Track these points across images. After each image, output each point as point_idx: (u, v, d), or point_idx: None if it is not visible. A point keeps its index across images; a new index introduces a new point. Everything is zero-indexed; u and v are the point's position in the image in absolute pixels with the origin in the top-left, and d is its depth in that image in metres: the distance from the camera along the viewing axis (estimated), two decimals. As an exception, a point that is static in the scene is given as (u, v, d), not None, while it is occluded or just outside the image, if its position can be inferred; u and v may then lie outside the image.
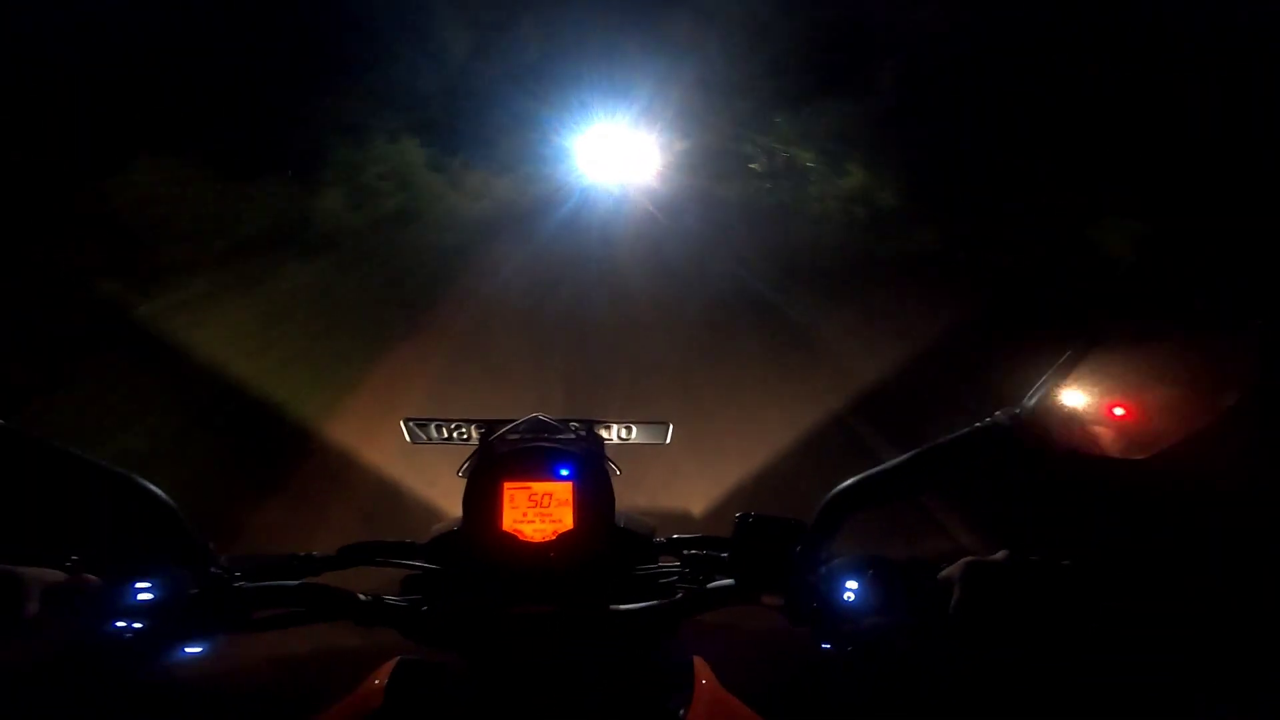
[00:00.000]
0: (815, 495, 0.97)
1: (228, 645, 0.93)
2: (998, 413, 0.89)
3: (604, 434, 1.16)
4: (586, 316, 6.83)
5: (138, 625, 0.87)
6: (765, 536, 0.99)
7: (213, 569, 0.94)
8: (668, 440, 1.20)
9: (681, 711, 0.94)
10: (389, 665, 0.98)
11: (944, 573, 0.91)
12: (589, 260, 9.05)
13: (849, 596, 0.93)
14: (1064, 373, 0.85)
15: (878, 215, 8.96)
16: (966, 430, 0.90)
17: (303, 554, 1.04)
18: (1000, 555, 0.89)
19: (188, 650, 0.91)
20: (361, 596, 0.98)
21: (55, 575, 0.84)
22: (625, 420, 1.18)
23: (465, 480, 1.03)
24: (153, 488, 0.91)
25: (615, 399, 4.58)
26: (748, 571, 0.99)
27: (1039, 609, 0.86)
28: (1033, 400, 0.86)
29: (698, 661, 1.03)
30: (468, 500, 1.00)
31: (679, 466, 3.29)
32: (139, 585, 0.88)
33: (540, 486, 1.00)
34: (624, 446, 1.18)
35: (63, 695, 0.87)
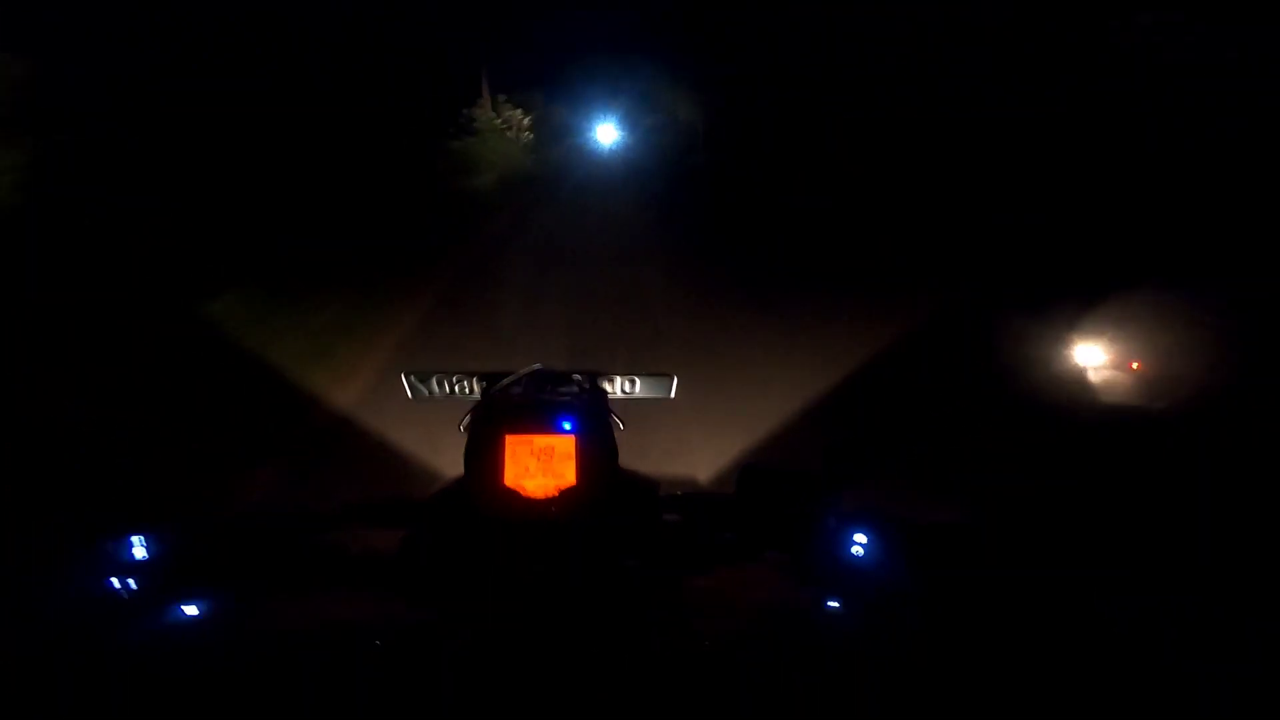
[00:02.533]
0: (820, 447, 0.95)
1: (226, 605, 0.92)
2: (1006, 366, 0.87)
3: (607, 387, 1.13)
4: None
5: (131, 581, 0.85)
6: (770, 491, 0.97)
7: (209, 527, 0.93)
8: (672, 394, 1.17)
9: (685, 668, 0.93)
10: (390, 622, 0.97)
11: (955, 531, 0.90)
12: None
13: (857, 551, 0.91)
14: (1077, 327, 0.83)
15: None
16: (975, 383, 0.89)
17: (302, 513, 1.03)
18: (1010, 513, 0.88)
19: (184, 609, 0.89)
20: (362, 555, 0.96)
21: (54, 531, 0.82)
22: (629, 373, 1.15)
23: (466, 435, 1.00)
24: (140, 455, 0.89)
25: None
26: (752, 527, 0.97)
27: (1047, 566, 0.85)
28: (1041, 351, 0.84)
29: (701, 619, 1.02)
30: (469, 455, 0.98)
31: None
32: (132, 540, 0.86)
33: (542, 440, 0.97)
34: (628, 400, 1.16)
35: (63, 653, 0.85)
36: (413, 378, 1.11)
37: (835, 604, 0.93)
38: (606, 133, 19.72)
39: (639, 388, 1.16)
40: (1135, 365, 3.05)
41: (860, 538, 0.91)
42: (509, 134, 15.45)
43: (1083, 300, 4.26)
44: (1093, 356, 3.22)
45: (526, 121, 16.08)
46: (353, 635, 0.96)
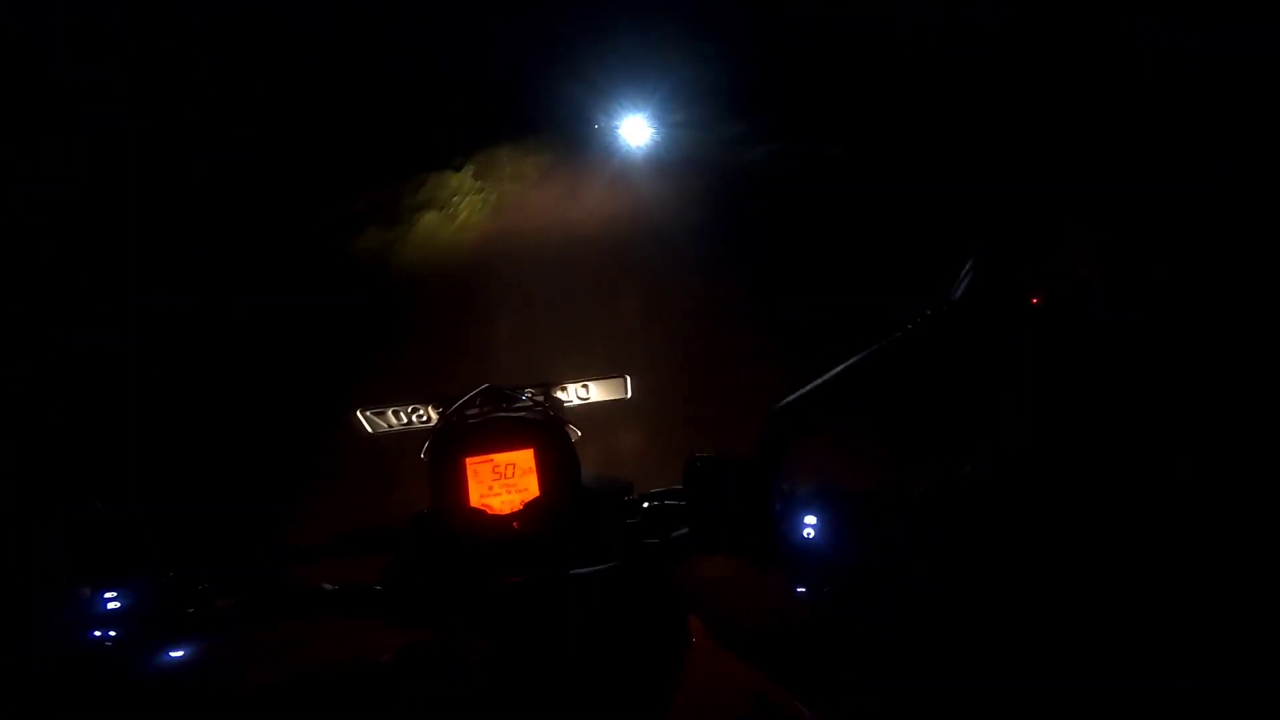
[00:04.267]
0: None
1: (213, 647, 0.94)
2: (933, 307, 0.86)
3: (561, 395, 1.15)
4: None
5: (113, 634, 0.87)
6: (714, 479, 0.97)
7: (185, 572, 0.94)
8: (628, 394, 1.19)
9: (675, 672, 0.95)
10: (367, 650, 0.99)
11: (907, 496, 0.92)
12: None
13: (808, 533, 0.93)
14: (991, 259, 0.83)
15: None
16: (904, 329, 0.88)
17: (279, 550, 1.04)
18: (965, 469, 0.90)
19: (170, 654, 0.91)
20: (339, 587, 0.98)
21: (28, 589, 0.84)
22: (581, 379, 1.17)
23: (427, 461, 1.03)
24: (116, 497, 0.91)
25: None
26: (699, 519, 0.98)
27: (1019, 522, 0.87)
28: (963, 290, 0.84)
29: (693, 619, 1.04)
30: (433, 480, 1.01)
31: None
32: (107, 595, 0.88)
33: (502, 458, 1.00)
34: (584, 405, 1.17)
35: (50, 708, 0.87)
36: (368, 413, 1.13)
37: (801, 590, 0.96)
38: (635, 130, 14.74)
39: (593, 392, 1.18)
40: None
41: (810, 519, 0.93)
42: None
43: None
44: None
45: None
46: (335, 667, 0.99)
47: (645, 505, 1.07)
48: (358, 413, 1.13)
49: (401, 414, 1.13)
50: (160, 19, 6.73)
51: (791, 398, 0.93)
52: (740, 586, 1.25)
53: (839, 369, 0.91)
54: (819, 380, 0.92)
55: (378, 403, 1.12)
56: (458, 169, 10.97)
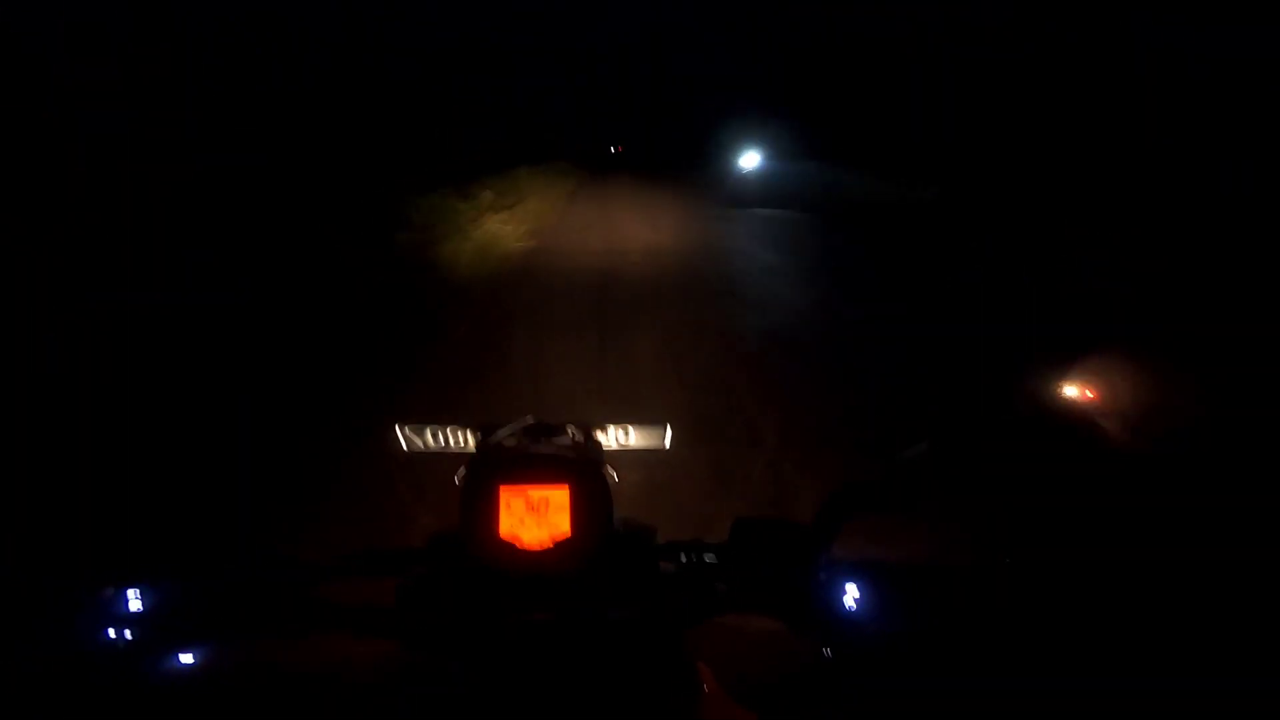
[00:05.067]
0: (816, 497, 0.96)
1: (222, 656, 0.92)
2: (1006, 405, 0.88)
3: (601, 437, 1.15)
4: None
5: (128, 634, 0.86)
6: (761, 541, 0.98)
7: (203, 578, 0.93)
8: (666, 444, 1.19)
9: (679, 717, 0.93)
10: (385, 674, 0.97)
11: (953, 578, 0.90)
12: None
13: (850, 603, 0.91)
14: (1061, 370, 0.85)
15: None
16: (976, 426, 0.89)
17: (296, 563, 1.03)
18: (1007, 560, 0.88)
19: (180, 659, 0.90)
20: (356, 606, 0.96)
21: (45, 586, 0.83)
22: (622, 423, 1.17)
23: (460, 486, 1.02)
24: (138, 496, 0.90)
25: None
26: (743, 578, 0.98)
27: (1049, 617, 0.85)
28: (1034, 394, 0.86)
29: (702, 668, 1.02)
30: (464, 506, 0.99)
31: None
32: (128, 594, 0.87)
33: (537, 492, 0.98)
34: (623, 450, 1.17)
35: (57, 706, 0.86)
36: (407, 429, 1.13)
37: (828, 652, 0.93)
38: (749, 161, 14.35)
39: (633, 438, 1.17)
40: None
41: (852, 589, 0.92)
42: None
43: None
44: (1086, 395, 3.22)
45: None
46: (348, 686, 0.96)
47: (681, 554, 1.05)
48: (396, 428, 1.12)
49: (440, 435, 1.12)
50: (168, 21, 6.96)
51: (857, 482, 0.94)
52: (750, 639, 1.23)
53: (902, 461, 0.92)
54: (884, 471, 0.93)
55: (418, 420, 1.11)
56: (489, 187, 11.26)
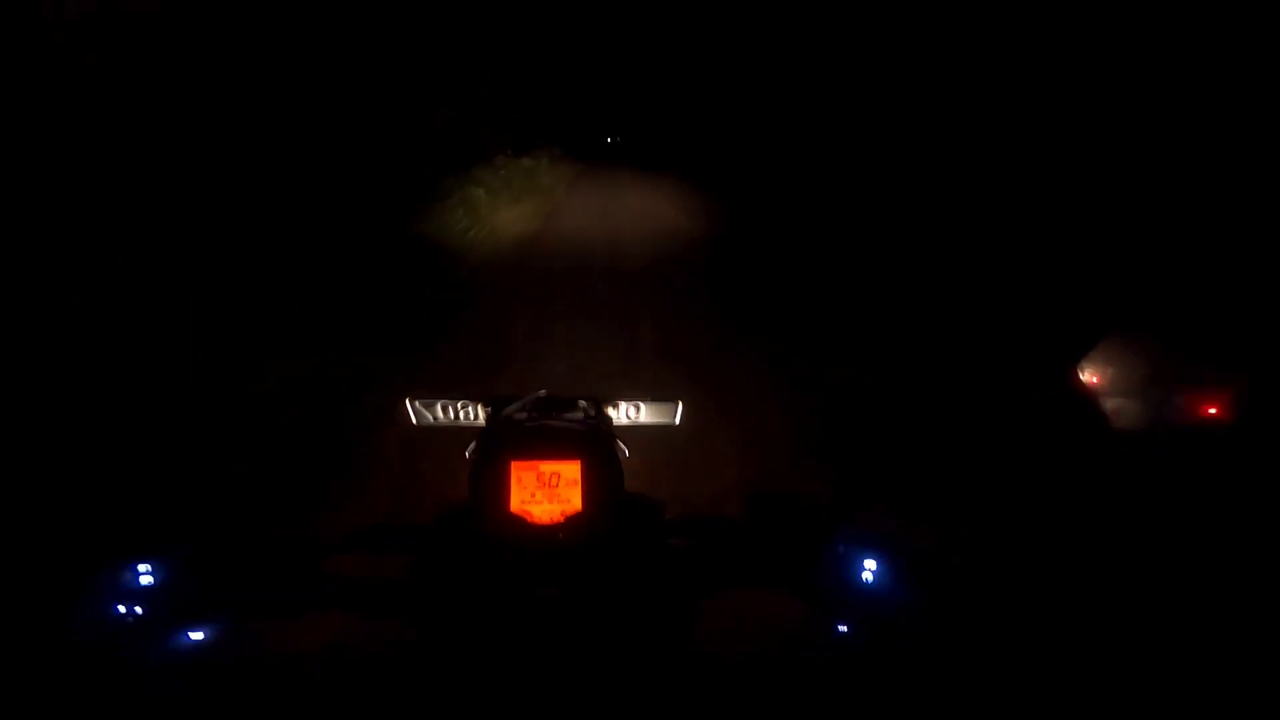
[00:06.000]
0: (830, 472, 0.95)
1: (233, 631, 0.92)
2: (1022, 392, 0.87)
3: (612, 412, 1.14)
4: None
5: (138, 609, 0.86)
6: (779, 515, 0.97)
7: (215, 554, 0.93)
8: (677, 420, 1.18)
9: (693, 691, 0.92)
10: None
11: (968, 557, 0.89)
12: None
13: (867, 577, 0.90)
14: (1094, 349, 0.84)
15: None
16: (994, 413, 0.89)
17: (306, 539, 1.02)
18: (1023, 541, 0.87)
19: (190, 635, 0.89)
20: (367, 582, 0.96)
21: (58, 559, 0.83)
22: (634, 398, 1.16)
23: (471, 460, 1.01)
24: (152, 473, 0.90)
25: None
26: (760, 551, 0.97)
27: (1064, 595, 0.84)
28: (1049, 379, 0.85)
29: (710, 642, 1.01)
30: (474, 481, 0.98)
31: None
32: (140, 569, 0.86)
33: (548, 467, 0.97)
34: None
35: (67, 678, 0.86)
36: (417, 404, 1.12)
37: (843, 628, 0.93)
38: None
39: (644, 414, 1.16)
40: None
41: (870, 564, 0.91)
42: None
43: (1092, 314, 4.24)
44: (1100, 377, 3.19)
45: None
46: (358, 659, 0.96)
47: (692, 528, 1.05)
48: (407, 402, 1.11)
49: (451, 409, 1.12)
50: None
51: (876, 461, 0.94)
52: (758, 613, 1.23)
53: (921, 443, 0.92)
54: (903, 450, 0.92)
55: (428, 394, 1.10)
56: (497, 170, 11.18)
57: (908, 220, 7.71)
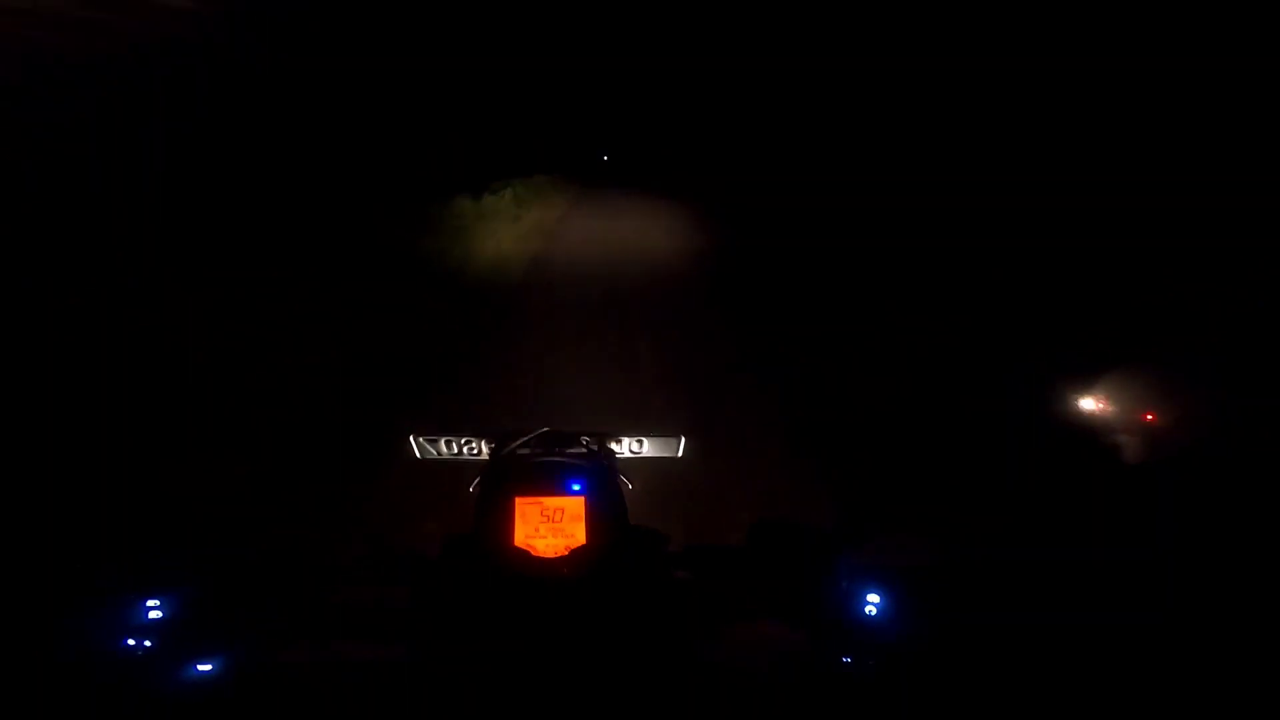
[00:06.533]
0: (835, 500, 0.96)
1: (241, 663, 0.93)
2: (1026, 411, 0.88)
3: (615, 447, 1.15)
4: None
5: (148, 643, 0.86)
6: (781, 546, 0.98)
7: (224, 587, 0.94)
8: (679, 453, 1.19)
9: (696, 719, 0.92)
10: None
11: (970, 584, 0.90)
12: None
13: (870, 610, 0.91)
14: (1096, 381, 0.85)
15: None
16: (998, 434, 0.90)
17: (313, 569, 1.03)
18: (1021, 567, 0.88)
19: (199, 668, 0.90)
20: (374, 611, 0.97)
21: (71, 593, 0.84)
22: (637, 433, 1.17)
23: (475, 495, 1.02)
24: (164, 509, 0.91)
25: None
26: (762, 582, 0.97)
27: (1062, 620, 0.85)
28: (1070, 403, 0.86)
29: (714, 670, 1.01)
30: (479, 515, 0.99)
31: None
32: (149, 604, 0.87)
33: (552, 502, 0.98)
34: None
35: (78, 708, 0.86)
36: (421, 439, 1.13)
37: (847, 660, 0.93)
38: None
39: (647, 447, 1.17)
40: (1149, 417, 2.99)
41: (873, 598, 0.91)
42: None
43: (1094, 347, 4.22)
44: (1100, 407, 3.18)
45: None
46: (366, 689, 0.96)
47: (696, 561, 1.05)
48: (411, 438, 1.13)
49: (454, 444, 1.13)
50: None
51: (876, 489, 0.94)
52: (762, 641, 1.23)
53: (919, 471, 0.93)
54: (901, 479, 0.93)
55: (432, 430, 1.12)
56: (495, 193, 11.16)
57: (911, 235, 7.69)
